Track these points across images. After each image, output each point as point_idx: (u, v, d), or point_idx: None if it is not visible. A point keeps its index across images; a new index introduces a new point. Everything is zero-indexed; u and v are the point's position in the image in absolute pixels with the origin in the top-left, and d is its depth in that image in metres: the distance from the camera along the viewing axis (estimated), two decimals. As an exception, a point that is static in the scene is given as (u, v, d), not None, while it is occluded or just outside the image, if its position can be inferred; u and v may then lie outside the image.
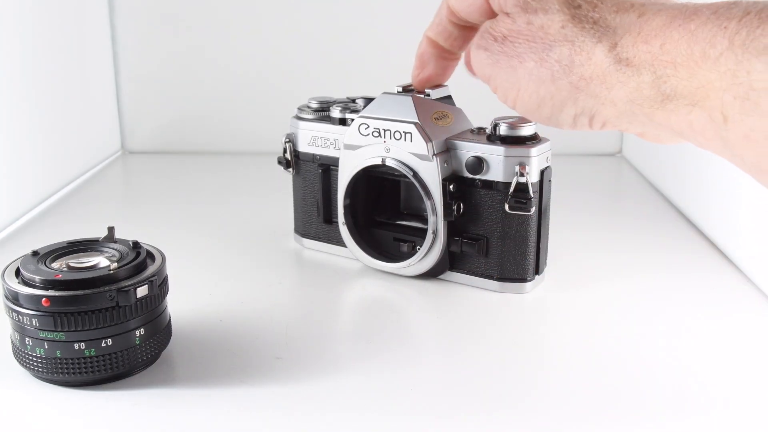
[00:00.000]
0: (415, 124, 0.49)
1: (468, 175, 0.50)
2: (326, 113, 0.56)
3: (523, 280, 0.51)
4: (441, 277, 0.53)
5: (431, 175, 0.49)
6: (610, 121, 0.38)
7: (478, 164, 0.49)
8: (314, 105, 0.56)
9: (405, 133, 0.50)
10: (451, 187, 0.49)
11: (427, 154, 0.49)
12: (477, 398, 0.39)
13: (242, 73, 0.89)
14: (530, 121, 0.49)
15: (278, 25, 0.87)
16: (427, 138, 0.49)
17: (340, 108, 0.54)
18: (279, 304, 0.50)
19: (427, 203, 0.50)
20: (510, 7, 0.40)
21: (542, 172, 0.49)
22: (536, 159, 0.48)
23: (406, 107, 0.50)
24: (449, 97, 0.53)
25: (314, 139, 0.56)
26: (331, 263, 0.57)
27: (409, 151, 0.50)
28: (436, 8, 0.45)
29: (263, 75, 0.88)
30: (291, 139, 0.57)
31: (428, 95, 0.51)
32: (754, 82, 0.30)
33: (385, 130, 0.50)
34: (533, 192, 0.48)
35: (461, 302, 0.51)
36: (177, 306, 0.45)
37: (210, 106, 0.90)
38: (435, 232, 0.50)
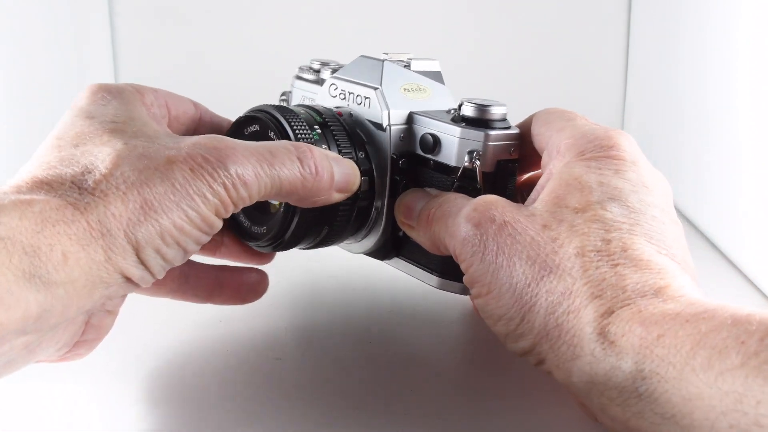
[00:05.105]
0: (375, 90, 0.46)
1: (421, 153, 0.45)
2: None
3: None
4: (387, 263, 0.49)
5: (382, 146, 0.46)
6: (560, 381, 0.32)
7: (432, 142, 0.44)
8: (315, 66, 0.54)
9: (365, 98, 0.46)
10: (400, 162, 0.45)
11: (381, 122, 0.45)
12: (477, 398, 0.38)
13: (243, 74, 0.87)
14: (503, 104, 0.44)
15: (281, 26, 0.86)
16: (385, 106, 0.45)
17: (330, 70, 0.52)
18: (279, 305, 0.50)
19: (375, 177, 0.46)
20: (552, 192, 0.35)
21: (501, 164, 0.43)
22: (493, 146, 0.43)
23: (374, 72, 0.46)
24: (438, 74, 0.49)
25: (303, 99, 0.54)
26: (331, 263, 0.56)
27: (367, 118, 0.46)
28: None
29: (264, 76, 0.87)
30: (286, 97, 0.56)
31: (407, 65, 0.48)
32: (761, 417, 0.25)
33: (349, 93, 0.47)
34: (483, 183, 0.43)
35: (462, 305, 0.49)
36: (176, 306, 0.45)
37: (210, 107, 0.91)
38: (378, 209, 0.47)
